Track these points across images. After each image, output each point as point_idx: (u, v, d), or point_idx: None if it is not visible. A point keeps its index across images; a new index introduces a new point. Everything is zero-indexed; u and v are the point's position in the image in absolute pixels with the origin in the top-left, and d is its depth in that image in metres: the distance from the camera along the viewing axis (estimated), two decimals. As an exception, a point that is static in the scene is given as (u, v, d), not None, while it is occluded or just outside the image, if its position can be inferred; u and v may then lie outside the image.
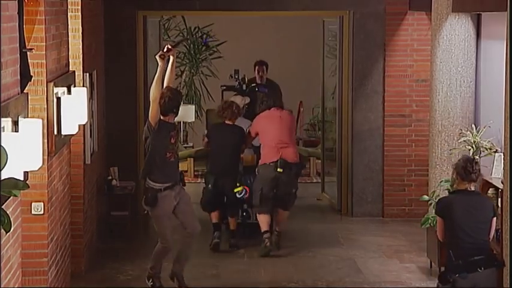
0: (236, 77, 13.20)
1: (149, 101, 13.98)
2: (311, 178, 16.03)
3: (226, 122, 11.60)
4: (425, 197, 10.60)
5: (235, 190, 11.26)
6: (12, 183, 4.99)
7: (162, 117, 9.20)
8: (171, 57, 9.53)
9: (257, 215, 11.51)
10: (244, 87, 13.35)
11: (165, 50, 9.40)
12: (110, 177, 12.05)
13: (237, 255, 11.27)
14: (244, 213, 12.25)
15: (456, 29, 10.57)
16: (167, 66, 9.46)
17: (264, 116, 11.50)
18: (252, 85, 13.48)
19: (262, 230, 11.21)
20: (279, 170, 11.12)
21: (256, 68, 14.01)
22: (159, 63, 9.33)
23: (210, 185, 11.61)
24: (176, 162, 9.61)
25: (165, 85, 9.37)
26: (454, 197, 7.97)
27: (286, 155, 11.18)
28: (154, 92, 9.24)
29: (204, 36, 17.59)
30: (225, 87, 14.14)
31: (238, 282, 10.21)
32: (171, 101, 9.18)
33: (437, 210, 8.01)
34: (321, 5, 13.12)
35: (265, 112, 11.50)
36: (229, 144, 11.47)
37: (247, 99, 12.89)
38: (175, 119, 9.59)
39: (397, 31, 12.71)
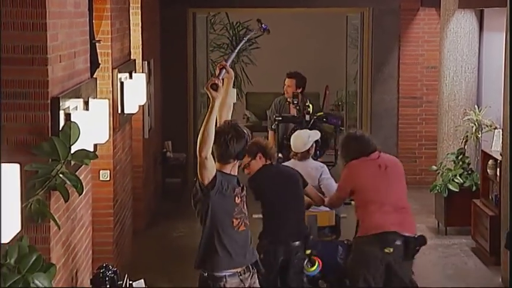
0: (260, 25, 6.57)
1: (195, 87, 14.43)
2: (336, 151, 15.98)
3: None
4: (434, 167, 10.60)
5: (308, 270, 6.81)
6: (84, 153, 5.04)
7: (220, 168, 5.44)
8: (226, 78, 5.50)
9: None
10: (307, 117, 8.79)
11: (218, 72, 5.39)
12: (165, 150, 12.14)
13: None
14: None
15: (462, 23, 10.55)
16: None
17: (359, 165, 6.75)
18: (319, 114, 9.06)
19: None
20: (387, 250, 6.47)
21: (285, 81, 9.83)
22: (213, 97, 5.24)
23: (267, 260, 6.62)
24: (248, 233, 5.61)
25: (221, 118, 5.57)
26: None
27: (400, 225, 6.56)
28: (207, 138, 5.19)
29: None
30: (280, 119, 9.16)
31: None
32: (236, 142, 5.40)
33: None
34: (345, 2, 13.23)
35: (361, 160, 6.74)
36: (289, 196, 6.78)
37: (317, 135, 7.97)
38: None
39: (410, 25, 12.67)
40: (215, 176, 5.33)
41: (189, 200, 5.59)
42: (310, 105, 9.02)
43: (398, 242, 6.53)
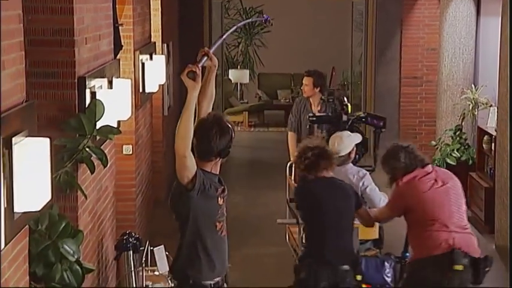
0: (262, 17, 5.82)
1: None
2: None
3: (320, 174, 5.63)
4: (433, 143, 10.62)
5: None
6: (108, 129, 5.06)
7: (200, 166, 4.48)
8: (209, 66, 4.58)
9: None
10: (344, 117, 7.31)
11: (199, 58, 4.45)
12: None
13: None
14: None
15: (460, 7, 10.53)
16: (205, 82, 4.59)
17: (414, 180, 5.55)
18: (358, 114, 7.66)
19: None
20: (457, 267, 5.32)
21: (303, 79, 8.63)
22: (189, 87, 4.39)
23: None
24: (226, 239, 4.70)
25: (203, 108, 4.63)
26: None
27: (464, 244, 5.40)
28: (186, 133, 4.30)
29: (257, 14, 17.51)
30: (314, 119, 7.79)
31: None
32: (219, 138, 4.47)
33: None
34: (351, -11, 13.13)
35: (415, 175, 5.56)
36: (340, 214, 5.58)
37: (358, 137, 6.75)
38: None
39: (412, 10, 12.57)
40: (195, 174, 4.37)
41: None
42: (348, 104, 7.45)
43: (466, 263, 5.37)
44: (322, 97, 8.16)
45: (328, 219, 5.53)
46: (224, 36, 5.05)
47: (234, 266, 7.82)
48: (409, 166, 5.62)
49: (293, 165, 7.35)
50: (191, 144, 4.33)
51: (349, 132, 6.78)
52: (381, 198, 6.32)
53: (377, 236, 6.49)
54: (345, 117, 7.30)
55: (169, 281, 5.13)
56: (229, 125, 4.57)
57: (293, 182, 7.52)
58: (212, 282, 4.56)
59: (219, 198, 4.55)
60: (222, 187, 4.60)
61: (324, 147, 5.75)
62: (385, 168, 5.83)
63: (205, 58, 4.49)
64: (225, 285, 4.71)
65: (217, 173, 4.60)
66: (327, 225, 5.54)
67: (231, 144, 4.56)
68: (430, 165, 5.71)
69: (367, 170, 6.73)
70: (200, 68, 4.38)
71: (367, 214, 5.86)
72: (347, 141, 6.56)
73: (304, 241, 6.04)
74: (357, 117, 7.45)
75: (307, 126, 7.96)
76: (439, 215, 5.47)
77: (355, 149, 6.61)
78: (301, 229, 6.32)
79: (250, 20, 5.71)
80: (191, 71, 4.36)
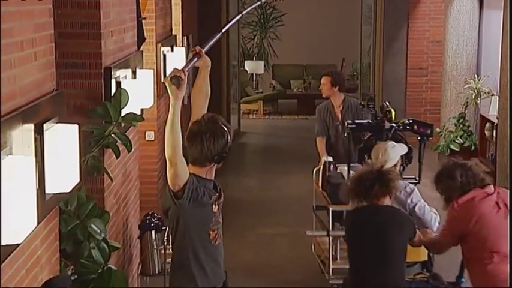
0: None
1: (228, 59, 14.42)
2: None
3: (375, 202, 4.74)
4: (438, 130, 10.58)
5: None
6: (132, 116, 5.09)
7: (194, 171, 3.97)
8: (201, 66, 4.12)
9: None
10: (387, 124, 6.36)
11: (190, 58, 4.07)
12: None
13: None
14: None
15: (464, 1, 10.52)
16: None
17: (472, 203, 4.63)
18: (402, 121, 6.48)
19: None
20: None
21: (321, 80, 7.67)
22: (173, 95, 3.79)
23: None
24: (222, 246, 4.19)
25: (199, 107, 4.18)
26: None
27: None
28: (174, 141, 3.77)
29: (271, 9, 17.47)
30: (353, 126, 6.55)
31: None
32: (213, 143, 3.94)
33: None
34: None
35: (474, 196, 4.64)
36: (389, 246, 4.66)
37: (404, 149, 5.90)
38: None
39: (418, 4, 12.54)
40: (187, 181, 3.82)
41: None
42: (392, 110, 6.41)
43: None
44: (363, 102, 6.90)
45: (374, 250, 4.61)
46: (218, 35, 4.27)
47: (249, 246, 7.91)
48: (466, 186, 4.70)
49: (320, 170, 6.85)
50: (183, 149, 3.79)
51: (393, 142, 5.76)
52: (432, 217, 5.40)
53: (426, 258, 5.54)
54: (387, 125, 6.32)
55: None
56: (225, 128, 3.98)
57: (320, 188, 6.83)
58: None
59: (214, 206, 3.96)
60: (217, 194, 4.04)
61: (383, 171, 4.76)
62: (438, 188, 4.94)
63: (196, 58, 3.98)
64: None
65: (212, 178, 4.04)
66: (370, 258, 4.63)
67: (227, 149, 3.96)
68: (491, 186, 4.72)
69: (411, 183, 5.81)
70: (187, 73, 3.74)
71: (419, 242, 4.91)
72: (392, 153, 5.61)
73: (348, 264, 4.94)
74: (402, 124, 6.42)
75: (345, 134, 6.88)
76: (501, 245, 4.52)
77: (400, 161, 5.72)
78: (331, 240, 6.16)
79: (244, 12, 5.02)
80: (175, 77, 3.70)
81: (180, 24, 9.79)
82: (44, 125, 3.40)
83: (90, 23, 4.80)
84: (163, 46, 8.02)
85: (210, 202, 3.97)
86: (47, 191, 3.44)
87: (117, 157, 5.00)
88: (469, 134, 10.01)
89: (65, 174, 3.57)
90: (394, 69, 12.83)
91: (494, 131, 8.83)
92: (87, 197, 4.53)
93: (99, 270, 4.43)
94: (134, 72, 5.69)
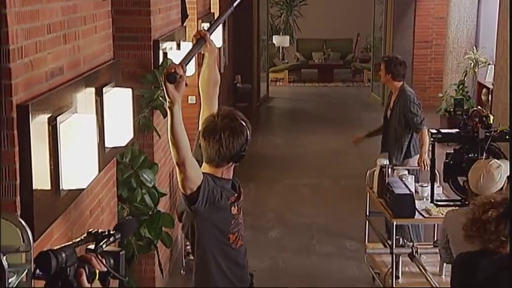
0: None
1: (258, 34, 14.48)
2: (364, 83, 15.81)
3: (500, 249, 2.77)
4: (440, 95, 10.51)
5: None
6: (177, 82, 5.10)
7: (210, 171, 3.05)
8: (207, 51, 3.12)
9: None
10: (481, 133, 4.54)
11: (194, 43, 3.02)
12: (235, 81, 12.15)
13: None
14: None
15: (464, -18, 10.29)
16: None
17: None
18: (501, 129, 4.57)
19: None
20: None
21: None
22: (169, 97, 2.65)
23: None
24: (245, 248, 3.24)
25: (209, 95, 3.27)
26: None
27: None
28: (180, 143, 2.77)
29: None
30: (439, 136, 4.83)
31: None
32: (232, 141, 2.99)
33: None
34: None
35: None
36: None
37: (507, 166, 3.73)
38: None
39: (425, -16, 12.35)
40: (201, 184, 2.91)
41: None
42: (490, 115, 4.59)
43: None
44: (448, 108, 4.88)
45: None
46: (224, 17, 3.46)
47: (276, 194, 7.96)
48: None
49: (375, 175, 5.19)
50: (191, 152, 2.87)
51: (496, 160, 3.78)
52: None
53: None
54: (482, 133, 4.52)
55: None
56: (244, 124, 3.06)
57: (376, 195, 5.19)
58: None
59: (233, 208, 3.08)
60: (236, 194, 3.12)
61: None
62: None
63: (201, 44, 3.02)
64: None
65: (230, 177, 3.13)
66: None
67: (246, 148, 3.06)
68: None
69: None
70: (186, 69, 2.69)
71: None
72: (498, 176, 3.66)
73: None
74: (500, 132, 4.51)
75: (392, 126, 5.88)
76: None
77: (506, 183, 3.69)
78: (394, 258, 4.73)
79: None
80: (171, 73, 2.63)
81: (218, 3, 9.71)
82: (103, 89, 3.43)
83: (141, 1, 4.80)
84: (203, 22, 7.98)
85: (228, 204, 3.05)
86: (106, 145, 3.48)
87: (164, 117, 5.01)
88: (468, 98, 9.91)
89: (121, 131, 3.60)
90: (403, 43, 12.67)
91: (490, 96, 8.74)
92: (139, 150, 4.58)
93: (150, 213, 4.49)
94: (178, 45, 5.69)
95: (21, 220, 2.47)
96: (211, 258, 3.07)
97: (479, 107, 5.30)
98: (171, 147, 2.83)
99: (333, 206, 7.49)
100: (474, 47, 10.17)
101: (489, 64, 9.43)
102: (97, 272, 1.87)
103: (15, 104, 2.43)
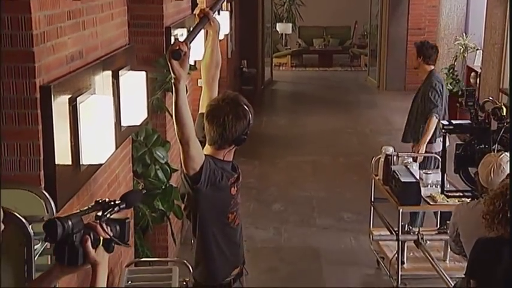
0: None
1: (262, 21, 14.41)
2: (361, 68, 15.75)
3: None
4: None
5: None
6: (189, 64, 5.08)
7: (211, 153, 2.94)
8: (210, 30, 3.07)
9: None
10: (494, 125, 4.18)
11: (197, 22, 2.98)
12: (242, 66, 12.10)
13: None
14: None
15: (456, -27, 10.20)
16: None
17: None
18: None
19: None
20: None
21: None
22: (175, 74, 2.59)
23: None
24: (240, 228, 3.13)
25: (210, 77, 3.21)
26: None
27: None
28: (184, 121, 2.70)
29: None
30: (451, 128, 4.48)
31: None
32: (235, 124, 2.89)
33: None
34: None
35: None
36: None
37: None
38: None
39: (418, -26, 12.23)
40: (203, 164, 2.81)
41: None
42: (503, 107, 4.19)
43: None
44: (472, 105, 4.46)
45: None
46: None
47: (279, 170, 7.97)
48: None
49: (381, 162, 5.03)
50: (194, 132, 2.75)
51: (506, 154, 3.39)
52: None
53: None
54: (494, 125, 4.18)
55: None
56: (247, 108, 2.95)
57: (381, 182, 5.02)
58: (230, 278, 3.09)
59: (232, 188, 2.99)
60: (236, 175, 3.03)
61: None
62: None
63: (206, 21, 2.95)
64: (244, 275, 3.22)
65: (231, 159, 3.03)
66: None
67: (248, 131, 2.95)
68: None
69: None
70: (190, 46, 2.61)
71: None
72: (508, 170, 3.29)
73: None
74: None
75: (414, 109, 5.67)
76: None
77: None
78: (400, 244, 4.60)
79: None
80: (176, 51, 2.54)
81: (236, -7, 9.65)
82: (119, 72, 3.43)
83: (154, -10, 4.79)
84: (211, 10, 7.94)
85: (228, 185, 2.96)
86: (122, 124, 3.48)
87: (176, 98, 5.02)
88: (457, 81, 9.87)
89: (135, 111, 3.60)
90: (398, 30, 12.59)
91: (478, 79, 8.71)
92: (152, 129, 4.59)
93: (163, 187, 4.52)
94: (189, 31, 5.65)
95: (44, 192, 2.49)
96: (211, 237, 2.98)
97: (491, 98, 5.05)
98: (175, 124, 2.72)
99: (331, 181, 7.50)
100: (464, 34, 10.11)
101: (477, 49, 9.38)
102: (101, 238, 1.89)
103: (39, 86, 2.44)
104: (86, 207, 1.90)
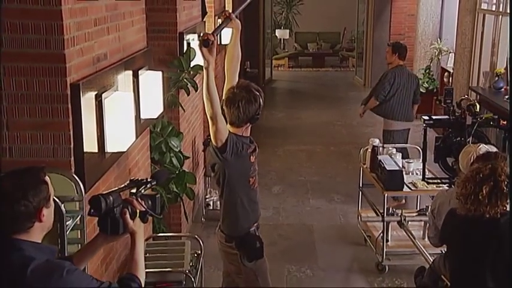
0: None
1: (264, 27, 14.42)
2: (349, 68, 15.69)
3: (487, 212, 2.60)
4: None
5: None
6: (198, 67, 5.02)
7: (233, 131, 3.16)
8: (233, 28, 3.22)
9: None
10: (469, 119, 4.32)
11: (221, 21, 3.18)
12: (245, 67, 12.07)
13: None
14: None
15: (432, -14, 10.14)
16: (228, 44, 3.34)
17: None
18: (487, 116, 4.34)
19: None
20: None
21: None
22: (206, 59, 2.92)
23: None
24: (258, 190, 3.40)
25: (231, 70, 3.28)
26: None
27: None
28: (212, 98, 2.92)
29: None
30: (431, 122, 4.52)
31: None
32: (248, 107, 3.14)
33: None
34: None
35: None
36: (492, 259, 2.59)
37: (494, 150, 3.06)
38: None
39: (399, -13, 12.15)
40: (228, 137, 3.05)
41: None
42: (477, 104, 4.26)
43: None
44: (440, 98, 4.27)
45: (473, 262, 2.70)
46: (245, 4, 3.42)
47: (279, 158, 7.96)
48: None
49: (368, 152, 5.01)
50: (219, 109, 2.96)
51: (484, 145, 3.36)
52: None
53: None
54: (469, 120, 4.25)
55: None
56: (258, 93, 3.17)
57: (368, 169, 4.98)
58: (252, 229, 3.30)
59: (251, 157, 3.23)
60: (254, 146, 3.28)
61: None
62: None
63: (228, 21, 3.13)
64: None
65: (248, 135, 3.26)
66: (469, 271, 2.74)
67: (260, 112, 3.18)
68: None
69: None
70: (216, 36, 2.91)
71: None
72: None
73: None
74: (485, 119, 4.25)
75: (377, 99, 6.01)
76: None
77: None
78: (385, 225, 4.62)
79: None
80: (205, 40, 2.84)
81: (231, 2, 9.63)
82: (139, 71, 3.44)
83: (169, 0, 4.77)
84: (218, 18, 7.92)
85: (248, 154, 3.19)
86: (141, 117, 3.50)
87: (188, 95, 5.02)
88: (433, 80, 9.84)
89: (153, 106, 3.62)
90: (381, 35, 12.53)
91: (450, 78, 8.70)
92: (168, 122, 4.59)
93: (177, 172, 4.52)
94: (199, 36, 5.63)
95: (74, 176, 2.50)
96: (237, 197, 3.21)
97: (466, 96, 5.10)
98: (205, 101, 2.92)
99: (324, 167, 7.51)
100: (438, 39, 10.07)
101: (450, 52, 9.36)
102: (137, 211, 1.91)
103: (69, 83, 2.44)
104: (123, 185, 1.93)
